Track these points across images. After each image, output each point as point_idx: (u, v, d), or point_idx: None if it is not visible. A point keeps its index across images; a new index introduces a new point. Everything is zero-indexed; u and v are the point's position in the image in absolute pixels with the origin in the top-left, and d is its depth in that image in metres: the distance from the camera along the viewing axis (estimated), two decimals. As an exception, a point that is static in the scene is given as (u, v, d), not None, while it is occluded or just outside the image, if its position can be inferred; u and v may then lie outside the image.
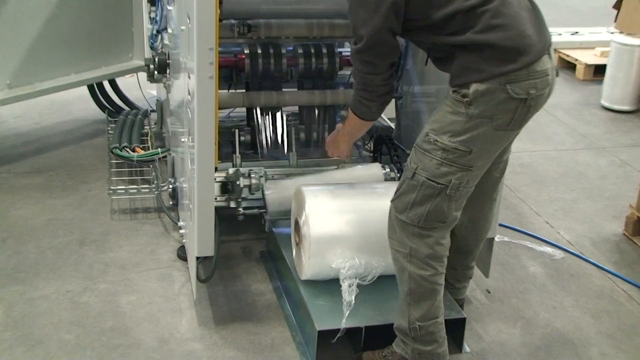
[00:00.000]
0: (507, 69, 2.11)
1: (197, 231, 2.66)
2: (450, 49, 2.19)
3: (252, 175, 2.91)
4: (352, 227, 2.69)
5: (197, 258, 2.73)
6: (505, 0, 2.15)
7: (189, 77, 2.65)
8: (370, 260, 2.67)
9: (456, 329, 2.67)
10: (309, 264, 2.70)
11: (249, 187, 2.97)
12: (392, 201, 2.37)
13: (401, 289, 2.42)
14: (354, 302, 2.58)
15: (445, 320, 2.46)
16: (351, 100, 2.42)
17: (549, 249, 3.51)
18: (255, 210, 3.12)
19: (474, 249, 2.76)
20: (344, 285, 2.62)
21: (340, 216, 2.73)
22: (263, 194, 2.99)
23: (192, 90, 2.57)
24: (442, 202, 2.27)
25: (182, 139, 2.95)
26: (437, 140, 2.21)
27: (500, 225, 3.54)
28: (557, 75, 2.29)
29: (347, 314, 2.56)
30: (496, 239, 3.00)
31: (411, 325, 2.39)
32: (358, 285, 2.63)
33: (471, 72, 2.14)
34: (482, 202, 2.61)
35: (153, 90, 4.87)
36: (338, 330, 2.52)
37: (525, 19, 2.16)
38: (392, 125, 3.59)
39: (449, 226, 2.35)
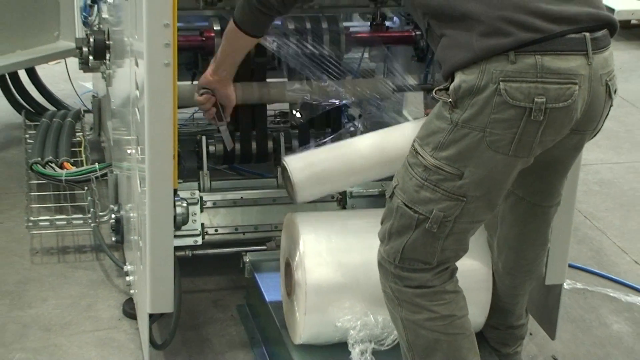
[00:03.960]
0: (492, 44, 2.11)
1: (150, 279, 2.66)
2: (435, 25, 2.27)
3: (176, 202, 2.72)
4: (365, 271, 2.64)
5: (151, 316, 2.74)
6: None
7: (137, 65, 2.66)
8: (390, 317, 2.57)
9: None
10: (306, 323, 2.70)
11: (174, 218, 2.74)
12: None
13: (400, 343, 2.46)
14: (369, 375, 2.56)
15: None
16: None
17: (639, 299, 3.50)
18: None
19: (514, 306, 2.79)
20: (355, 352, 2.62)
21: (348, 255, 2.72)
22: (286, 171, 2.73)
23: (141, 83, 2.57)
24: (424, 238, 2.31)
25: (129, 151, 2.96)
26: (418, 154, 2.28)
27: (571, 266, 3.48)
28: (611, 93, 2.25)
29: (359, 394, 2.55)
30: (565, 285, 2.97)
31: None
32: (374, 352, 2.62)
33: (455, 50, 2.19)
34: (520, 245, 2.64)
35: (88, 83, 4.86)
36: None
37: None
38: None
39: (441, 269, 2.37)
